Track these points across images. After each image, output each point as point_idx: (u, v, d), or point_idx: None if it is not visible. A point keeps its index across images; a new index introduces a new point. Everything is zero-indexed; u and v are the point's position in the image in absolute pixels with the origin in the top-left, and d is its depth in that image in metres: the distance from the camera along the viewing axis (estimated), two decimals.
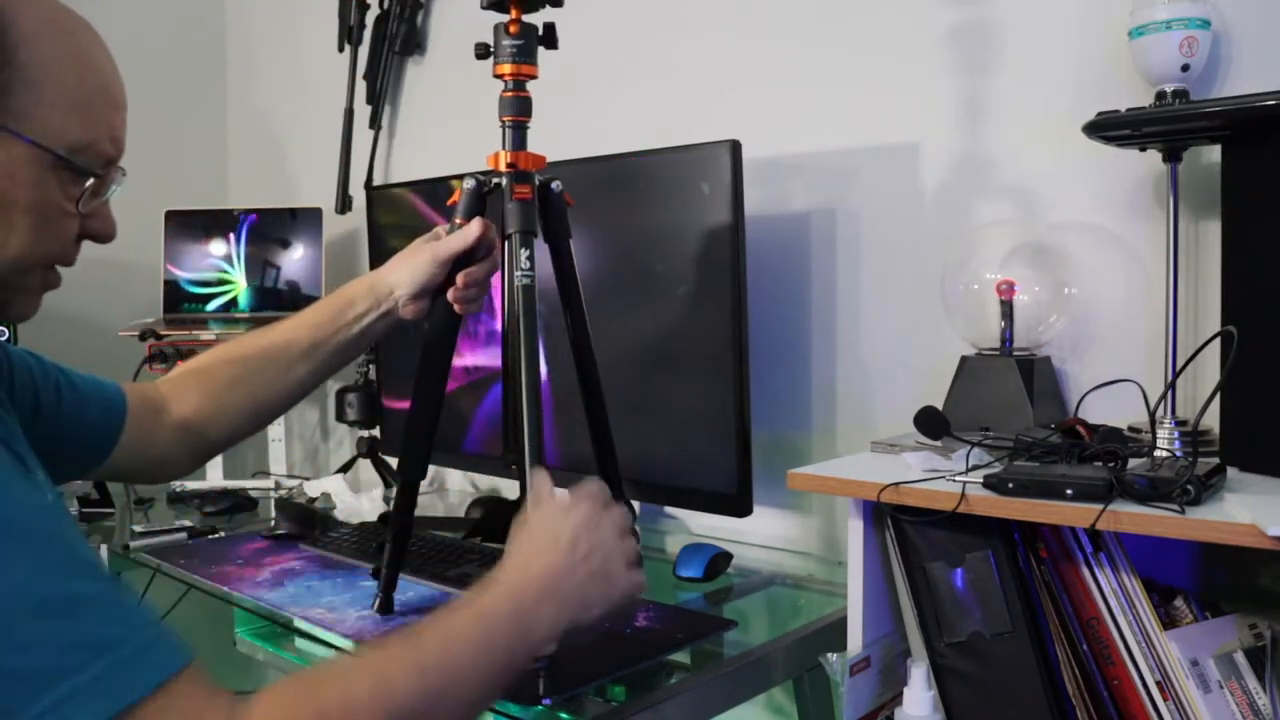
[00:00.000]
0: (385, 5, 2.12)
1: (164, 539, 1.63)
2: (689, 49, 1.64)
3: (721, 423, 1.30)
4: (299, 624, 1.24)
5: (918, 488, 0.98)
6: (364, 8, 2.16)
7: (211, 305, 2.15)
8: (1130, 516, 0.86)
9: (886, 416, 1.43)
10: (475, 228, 1.11)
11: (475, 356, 1.60)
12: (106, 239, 0.83)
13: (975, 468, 0.99)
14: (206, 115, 2.56)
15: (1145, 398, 1.16)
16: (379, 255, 1.78)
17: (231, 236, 2.16)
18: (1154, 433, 1.07)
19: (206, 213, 2.19)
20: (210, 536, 1.65)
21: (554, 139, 1.74)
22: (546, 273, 1.22)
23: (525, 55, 1.13)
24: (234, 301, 2.15)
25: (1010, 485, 0.93)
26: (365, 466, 2.07)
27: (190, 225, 2.18)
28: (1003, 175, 1.32)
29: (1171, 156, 1.11)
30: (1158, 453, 1.02)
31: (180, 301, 2.16)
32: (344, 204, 2.17)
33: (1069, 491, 0.90)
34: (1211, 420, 1.05)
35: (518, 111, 1.14)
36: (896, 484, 0.99)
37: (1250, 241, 0.99)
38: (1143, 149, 1.14)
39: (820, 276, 1.49)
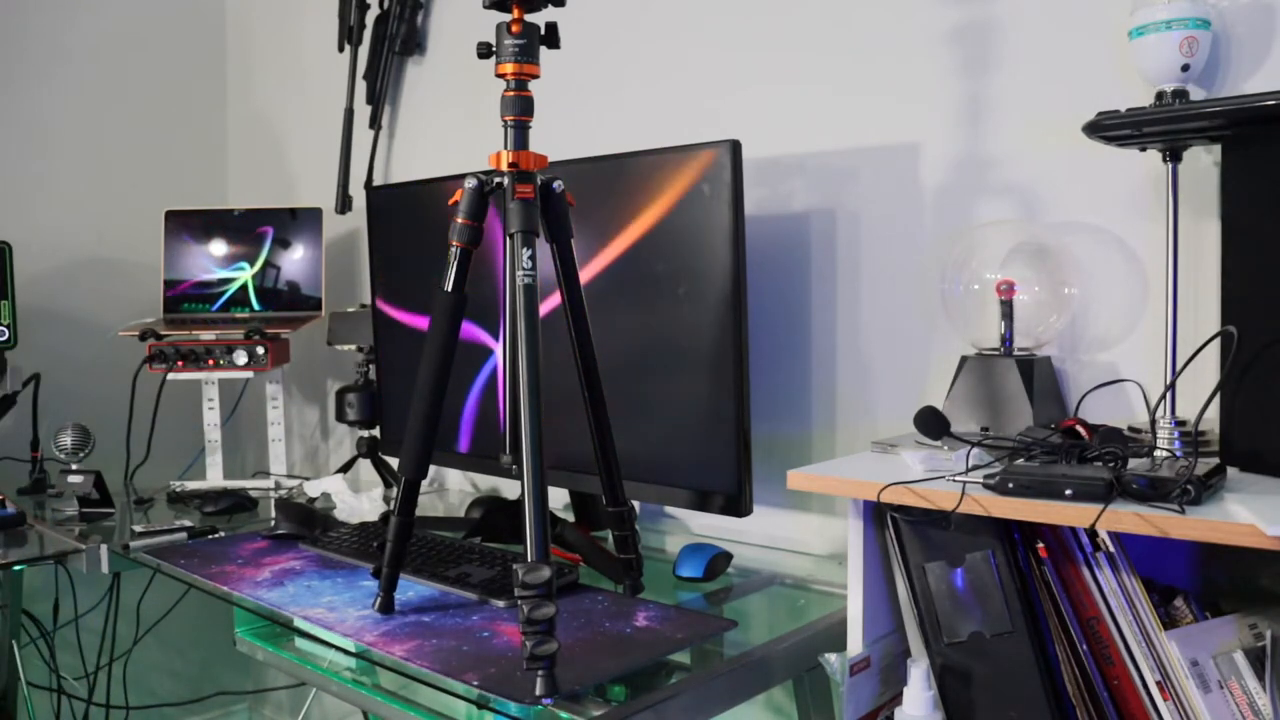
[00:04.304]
0: (385, 5, 2.12)
1: (164, 539, 1.63)
2: (690, 49, 1.64)
3: (721, 423, 1.30)
4: (299, 624, 1.24)
5: (918, 488, 0.98)
6: (364, 8, 2.16)
7: (212, 305, 2.15)
8: (1130, 516, 0.86)
9: (886, 416, 1.43)
10: None
11: (476, 355, 1.60)
12: None
13: (975, 468, 0.99)
14: (206, 115, 2.57)
15: (1145, 398, 1.17)
16: (379, 255, 1.78)
17: (233, 236, 2.17)
18: (1154, 433, 1.07)
19: (206, 213, 2.20)
20: (210, 536, 1.65)
21: (555, 139, 1.75)
22: (548, 272, 1.23)
23: (527, 55, 1.13)
24: (234, 301, 2.15)
25: (1010, 485, 0.93)
26: (365, 466, 2.07)
27: (190, 225, 2.18)
28: (1003, 175, 1.32)
29: (1171, 156, 1.11)
30: (1158, 453, 1.02)
31: (180, 301, 2.16)
32: (344, 204, 2.18)
33: (1069, 491, 0.90)
34: (1211, 420, 1.05)
35: (520, 111, 1.14)
36: (896, 484, 0.99)
37: (1250, 241, 0.99)
38: (1143, 149, 1.14)
39: (820, 276, 1.49)
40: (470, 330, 1.60)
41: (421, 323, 1.71)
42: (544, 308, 1.46)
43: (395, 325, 1.77)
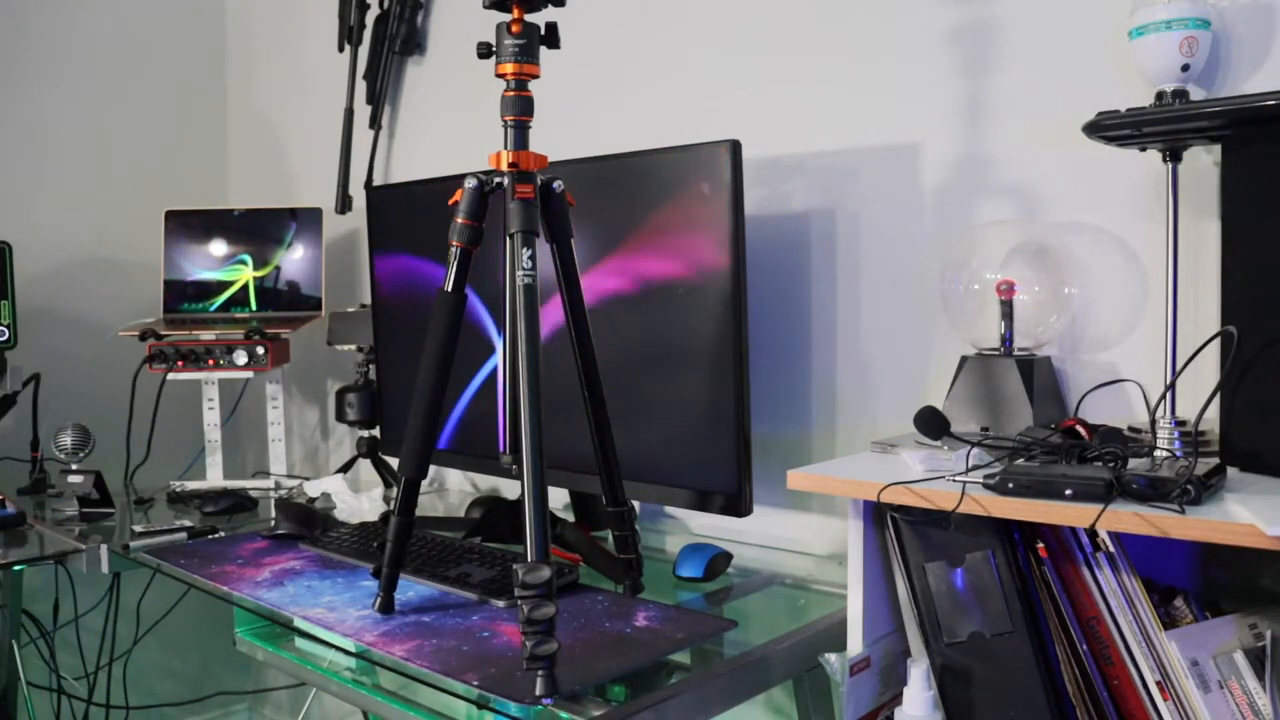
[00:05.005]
0: (385, 5, 2.12)
1: (164, 539, 1.63)
2: (690, 49, 1.64)
3: (721, 423, 1.30)
4: (299, 624, 1.24)
5: (918, 488, 0.98)
6: (364, 8, 2.16)
7: (212, 305, 2.15)
8: (1130, 516, 0.86)
9: (887, 416, 1.43)
10: None
11: (477, 356, 1.60)
12: None
13: (975, 468, 0.99)
14: (206, 115, 2.57)
15: (1145, 398, 1.17)
16: (379, 255, 1.78)
17: (233, 236, 2.17)
18: (1154, 433, 1.07)
19: (206, 213, 2.20)
20: (210, 536, 1.65)
21: (555, 139, 1.75)
22: (548, 271, 1.23)
23: (527, 55, 1.13)
24: (234, 301, 2.15)
25: (1010, 485, 0.93)
26: (365, 466, 2.07)
27: (190, 225, 2.18)
28: (1003, 175, 1.32)
29: (1171, 156, 1.11)
30: (1158, 453, 1.02)
31: (180, 301, 2.16)
32: (344, 204, 2.18)
33: (1069, 491, 0.90)
34: (1211, 420, 1.05)
35: (520, 111, 1.14)
36: (896, 484, 0.99)
37: (1249, 241, 0.99)
38: (1143, 149, 1.14)
39: (820, 276, 1.49)
40: (474, 326, 1.60)
41: (422, 321, 1.71)
42: (544, 308, 1.46)
43: (396, 324, 1.77)
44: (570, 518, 1.61)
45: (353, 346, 2.03)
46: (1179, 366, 1.11)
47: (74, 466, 1.93)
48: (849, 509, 1.09)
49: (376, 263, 1.79)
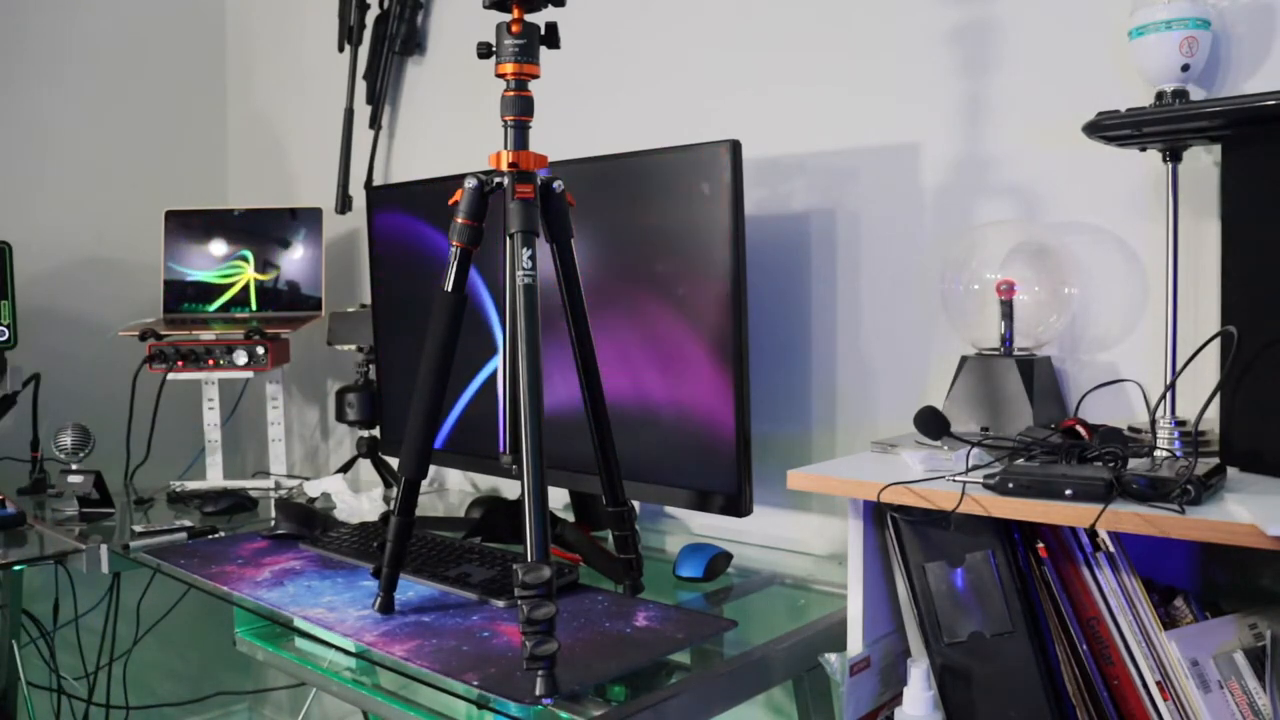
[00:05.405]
0: (385, 5, 2.12)
1: (164, 539, 1.63)
2: (690, 49, 1.64)
3: (721, 423, 1.30)
4: (299, 624, 1.24)
5: (918, 488, 0.98)
6: (364, 8, 2.16)
7: (212, 305, 2.15)
8: (1130, 516, 0.86)
9: (887, 416, 1.43)
10: None
11: (477, 356, 1.60)
12: None
13: (975, 468, 0.99)
14: (206, 115, 2.57)
15: (1145, 398, 1.17)
16: (379, 255, 1.78)
17: (233, 236, 2.16)
18: (1154, 433, 1.07)
19: (206, 213, 2.20)
20: (210, 536, 1.65)
21: (555, 139, 1.75)
22: (548, 271, 1.23)
23: (527, 55, 1.13)
24: (234, 301, 2.15)
25: (1010, 485, 0.93)
26: (365, 466, 2.07)
27: (190, 225, 2.18)
28: (1003, 175, 1.32)
29: (1171, 156, 1.11)
30: (1158, 453, 1.02)
31: (180, 301, 2.16)
32: (344, 204, 2.18)
33: (1069, 491, 0.90)
34: (1211, 420, 1.05)
35: (520, 111, 1.14)
36: (896, 484, 0.99)
37: (1249, 241, 0.99)
38: (1143, 149, 1.14)
39: (820, 276, 1.49)
40: (480, 325, 1.60)
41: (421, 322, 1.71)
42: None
43: (396, 323, 1.77)
44: (570, 518, 1.61)
45: (353, 346, 2.03)
46: (1179, 366, 1.11)
47: (74, 466, 1.93)
48: (849, 509, 1.09)
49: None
